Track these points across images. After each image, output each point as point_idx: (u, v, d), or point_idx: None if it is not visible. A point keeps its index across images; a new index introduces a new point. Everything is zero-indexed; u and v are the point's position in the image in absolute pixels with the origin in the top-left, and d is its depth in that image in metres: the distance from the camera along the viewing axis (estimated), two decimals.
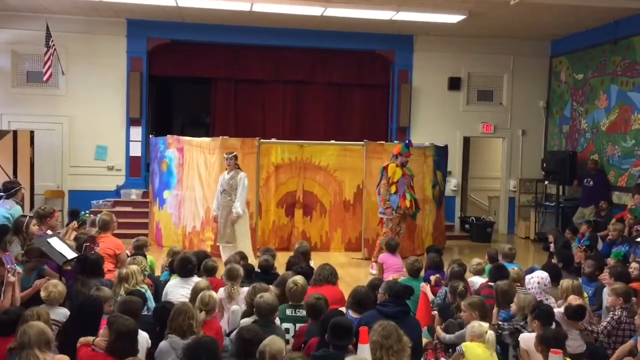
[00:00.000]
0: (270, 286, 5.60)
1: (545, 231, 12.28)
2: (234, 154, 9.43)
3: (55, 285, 5.01)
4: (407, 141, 10.00)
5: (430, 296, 6.41)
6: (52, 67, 11.63)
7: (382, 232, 9.56)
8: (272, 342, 3.88)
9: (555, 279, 6.28)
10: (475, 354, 4.48)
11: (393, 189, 9.35)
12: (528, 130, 14.18)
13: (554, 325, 4.87)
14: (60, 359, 3.69)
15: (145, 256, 6.96)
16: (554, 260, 7.42)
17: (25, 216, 6.71)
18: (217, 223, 9.42)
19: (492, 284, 6.10)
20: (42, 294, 5.00)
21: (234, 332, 5.08)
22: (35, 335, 3.75)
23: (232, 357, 4.17)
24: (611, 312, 5.58)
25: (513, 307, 5.37)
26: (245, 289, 5.60)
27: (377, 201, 10.49)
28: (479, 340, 4.52)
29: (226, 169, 9.37)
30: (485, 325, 4.63)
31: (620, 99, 11.60)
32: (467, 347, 4.53)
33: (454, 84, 13.79)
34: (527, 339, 4.77)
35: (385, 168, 9.51)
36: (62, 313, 4.96)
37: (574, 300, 5.45)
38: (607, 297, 5.93)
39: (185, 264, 6.05)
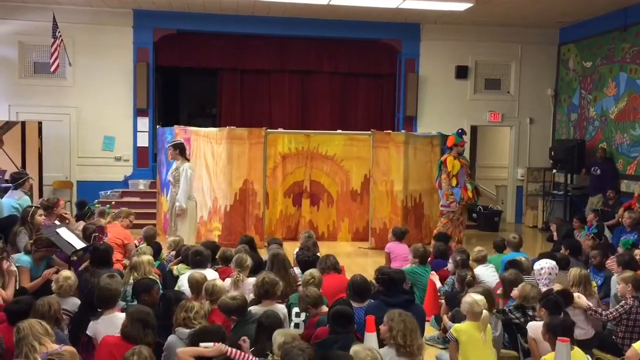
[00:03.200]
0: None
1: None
2: (174, 142, 8.80)
3: (66, 278, 5.04)
4: (459, 130, 9.91)
5: (438, 284, 6.43)
6: (59, 58, 11.65)
7: (441, 222, 9.63)
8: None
9: (563, 267, 6.28)
10: (468, 335, 4.51)
11: (454, 181, 9.42)
12: (536, 118, 14.10)
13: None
14: (67, 350, 3.70)
15: (158, 246, 7.00)
16: (562, 251, 7.38)
17: (32, 206, 6.75)
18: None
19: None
20: (54, 286, 5.05)
21: None
22: (29, 328, 3.77)
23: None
24: (623, 301, 5.55)
25: (515, 292, 5.36)
26: (252, 280, 5.64)
27: (383, 191, 10.53)
28: (473, 316, 4.54)
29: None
30: (480, 299, 4.61)
31: (629, 87, 11.51)
32: (458, 330, 4.55)
33: (461, 72, 13.72)
34: (535, 327, 4.77)
35: (443, 162, 9.54)
36: (73, 303, 5.01)
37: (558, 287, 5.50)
38: (616, 285, 5.93)
39: (195, 256, 6.09)
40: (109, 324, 4.42)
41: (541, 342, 4.61)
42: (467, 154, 13.84)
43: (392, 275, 5.30)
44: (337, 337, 4.25)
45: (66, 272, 5.19)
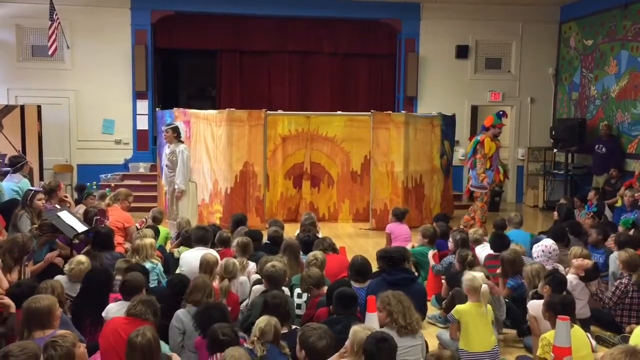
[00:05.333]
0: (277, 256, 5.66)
1: (554, 199, 12.25)
2: (171, 125, 8.86)
3: (79, 262, 5.06)
4: (500, 112, 9.72)
5: (432, 262, 6.46)
6: (57, 41, 11.56)
7: (477, 206, 9.56)
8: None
9: (561, 240, 6.31)
10: (471, 316, 4.55)
11: (488, 163, 9.34)
12: (537, 97, 14.04)
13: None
14: (61, 334, 3.73)
15: (157, 229, 7.04)
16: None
17: (32, 190, 6.75)
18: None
19: (496, 253, 6.15)
20: (66, 267, 5.09)
21: (245, 302, 5.19)
22: (32, 314, 3.79)
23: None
24: (618, 281, 5.59)
25: (525, 280, 5.41)
26: (253, 263, 5.70)
27: (384, 172, 10.53)
28: (474, 294, 4.56)
29: (167, 143, 8.77)
30: (479, 275, 4.66)
31: (631, 65, 11.44)
32: (460, 311, 4.59)
33: (462, 52, 13.63)
34: (536, 305, 4.80)
35: (480, 142, 9.39)
36: (76, 289, 5.01)
37: (582, 261, 5.49)
38: (614, 263, 5.97)
39: (199, 231, 6.21)
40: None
41: (542, 320, 4.64)
42: (467, 134, 13.92)
43: (391, 254, 5.32)
44: (339, 318, 4.28)
45: (80, 257, 5.22)
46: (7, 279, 5.05)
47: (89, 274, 4.87)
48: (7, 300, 4.31)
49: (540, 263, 5.53)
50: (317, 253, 5.58)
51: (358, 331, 3.68)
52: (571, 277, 5.46)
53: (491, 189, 9.49)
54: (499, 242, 6.29)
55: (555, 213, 9.03)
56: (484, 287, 4.57)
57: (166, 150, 8.77)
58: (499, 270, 5.79)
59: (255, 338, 3.77)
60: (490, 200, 12.69)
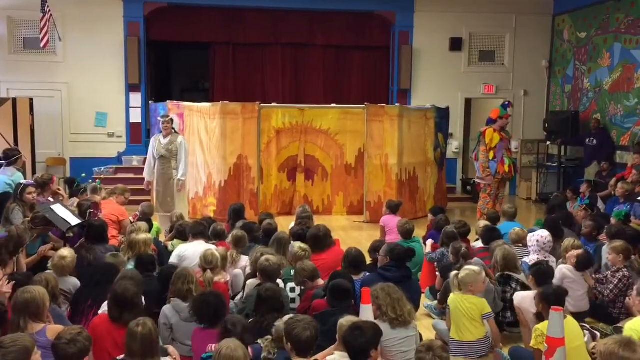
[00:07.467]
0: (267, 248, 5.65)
1: (547, 192, 12.32)
2: (169, 117, 9.00)
3: (61, 258, 4.97)
4: (506, 102, 9.63)
5: (427, 249, 6.48)
6: (49, 33, 11.47)
7: (480, 197, 9.56)
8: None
9: (556, 234, 6.33)
10: (460, 305, 4.58)
11: (491, 154, 9.28)
12: (530, 90, 14.05)
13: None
14: (52, 329, 3.71)
15: (151, 223, 7.02)
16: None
17: (21, 184, 6.70)
18: (152, 190, 9.01)
19: (486, 246, 6.17)
20: (49, 264, 5.06)
21: (239, 295, 5.19)
22: (23, 304, 3.77)
23: (251, 313, 4.35)
24: (614, 273, 5.59)
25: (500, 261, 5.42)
26: (245, 257, 5.69)
27: (378, 165, 10.53)
28: (465, 286, 4.61)
29: (162, 133, 8.74)
30: (474, 269, 4.70)
31: (624, 57, 11.46)
32: (451, 299, 4.64)
33: (456, 44, 13.61)
34: (520, 296, 4.85)
35: (482, 134, 9.37)
36: (71, 283, 4.97)
37: (574, 253, 5.52)
38: (606, 255, 6.00)
39: (197, 226, 6.26)
40: None
41: (526, 311, 4.69)
42: (461, 127, 13.97)
43: (400, 252, 5.32)
44: (334, 310, 4.30)
45: (62, 251, 5.12)
46: (3, 273, 5.04)
47: (94, 270, 4.86)
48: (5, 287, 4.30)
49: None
50: (303, 245, 5.56)
51: (343, 325, 3.72)
52: (567, 269, 5.48)
53: (498, 180, 9.41)
54: (489, 235, 6.30)
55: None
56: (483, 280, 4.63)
57: (162, 140, 8.73)
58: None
59: (271, 339, 3.75)
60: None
